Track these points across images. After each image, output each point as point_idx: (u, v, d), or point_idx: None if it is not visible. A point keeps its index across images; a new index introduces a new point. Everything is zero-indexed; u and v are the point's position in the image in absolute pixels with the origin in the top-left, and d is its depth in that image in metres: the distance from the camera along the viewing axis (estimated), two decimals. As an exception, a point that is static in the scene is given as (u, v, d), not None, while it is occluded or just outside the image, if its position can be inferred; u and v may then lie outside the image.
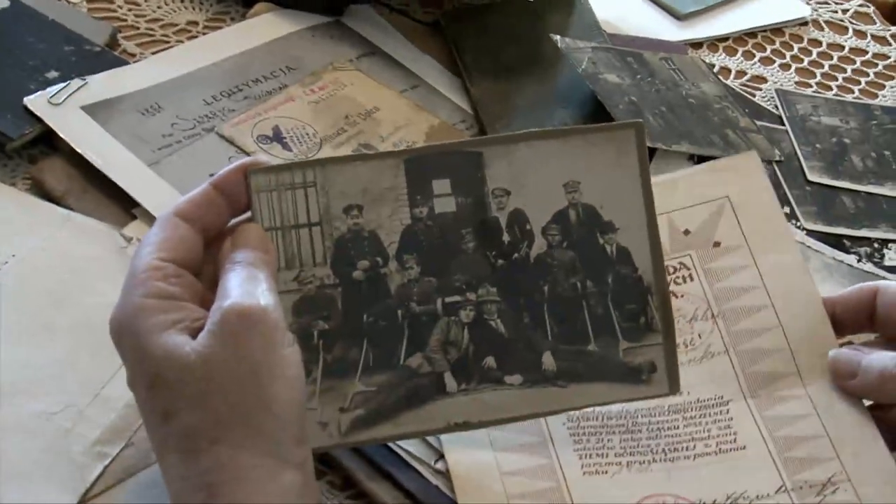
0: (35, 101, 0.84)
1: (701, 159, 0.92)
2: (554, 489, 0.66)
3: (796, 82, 1.12)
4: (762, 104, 1.06)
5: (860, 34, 1.21)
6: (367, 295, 0.64)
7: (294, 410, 0.56)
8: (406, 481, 0.67)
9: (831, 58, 1.16)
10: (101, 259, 0.75)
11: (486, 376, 0.65)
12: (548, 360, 0.66)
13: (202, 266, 0.61)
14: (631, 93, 0.97)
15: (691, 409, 0.70)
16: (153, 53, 0.95)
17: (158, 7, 1.01)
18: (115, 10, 0.99)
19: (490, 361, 0.65)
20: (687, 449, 0.68)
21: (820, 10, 1.23)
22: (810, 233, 0.92)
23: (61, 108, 0.84)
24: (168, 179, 0.82)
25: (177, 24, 1.00)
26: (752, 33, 1.17)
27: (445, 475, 0.66)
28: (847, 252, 0.91)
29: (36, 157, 0.83)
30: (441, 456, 0.67)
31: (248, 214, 0.62)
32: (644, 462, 0.68)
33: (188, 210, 0.60)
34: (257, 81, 0.93)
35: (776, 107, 1.06)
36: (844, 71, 1.15)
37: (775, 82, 1.11)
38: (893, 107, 1.09)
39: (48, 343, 0.69)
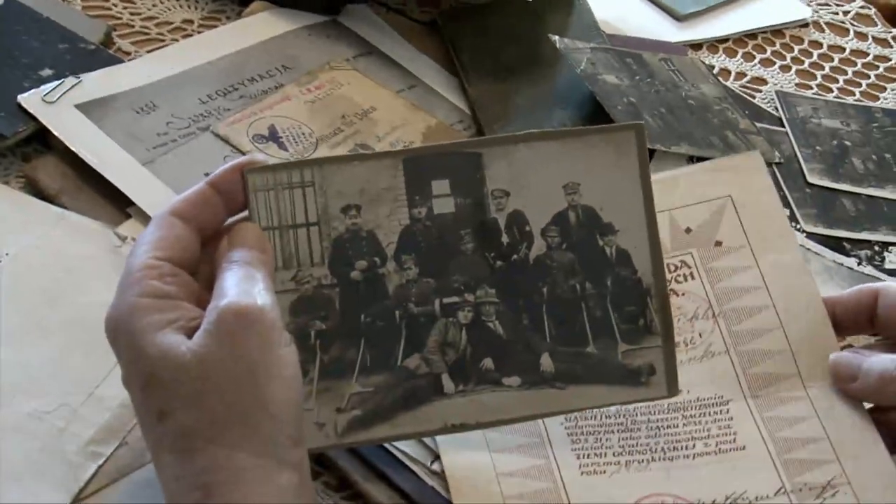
0: (29, 99, 0.83)
1: (700, 161, 0.91)
2: (551, 490, 0.66)
3: (797, 84, 1.11)
4: (762, 106, 1.06)
5: (861, 36, 1.20)
6: (364, 295, 0.63)
7: (291, 411, 0.56)
8: (402, 482, 0.66)
9: (832, 60, 1.16)
10: (95, 258, 0.75)
11: (484, 378, 0.65)
12: (546, 362, 0.65)
13: (198, 265, 0.60)
14: (630, 94, 0.97)
15: (691, 408, 0.70)
16: (148, 52, 0.95)
17: (153, 5, 1.01)
18: (109, 9, 0.99)
19: (488, 363, 0.65)
20: (686, 448, 0.68)
21: (821, 11, 1.23)
22: (810, 235, 0.92)
23: (55, 106, 0.83)
24: (163, 178, 0.81)
25: (172, 23, 0.99)
26: (752, 35, 1.17)
27: (441, 476, 0.66)
28: (847, 255, 0.91)
29: (30, 156, 0.82)
30: (437, 457, 0.67)
31: (245, 213, 0.62)
32: (643, 461, 0.67)
33: (184, 209, 0.60)
34: (253, 80, 0.93)
35: (776, 109, 1.05)
36: (845, 73, 1.14)
37: (775, 84, 1.10)
38: (894, 109, 1.09)
39: (42, 342, 0.69)
